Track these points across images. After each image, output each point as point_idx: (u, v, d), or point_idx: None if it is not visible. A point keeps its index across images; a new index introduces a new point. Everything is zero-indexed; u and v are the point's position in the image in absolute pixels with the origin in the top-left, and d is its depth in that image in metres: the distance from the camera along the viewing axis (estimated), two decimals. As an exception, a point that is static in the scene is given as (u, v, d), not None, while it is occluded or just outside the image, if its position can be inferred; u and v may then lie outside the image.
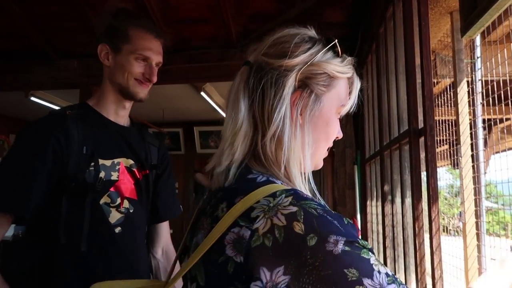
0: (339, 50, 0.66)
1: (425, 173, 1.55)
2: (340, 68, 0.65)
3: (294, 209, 0.51)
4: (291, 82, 0.61)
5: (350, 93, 0.68)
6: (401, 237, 1.80)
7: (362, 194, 2.81)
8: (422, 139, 1.53)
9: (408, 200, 1.75)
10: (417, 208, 1.53)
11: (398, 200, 1.91)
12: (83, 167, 1.07)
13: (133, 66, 1.14)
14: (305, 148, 0.62)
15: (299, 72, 0.62)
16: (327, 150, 0.69)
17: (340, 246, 0.47)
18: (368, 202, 2.71)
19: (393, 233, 1.95)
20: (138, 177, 1.21)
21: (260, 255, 0.50)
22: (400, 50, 1.78)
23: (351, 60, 0.68)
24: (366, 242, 0.50)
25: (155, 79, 1.18)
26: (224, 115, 0.68)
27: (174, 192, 1.41)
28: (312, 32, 0.67)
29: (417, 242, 1.52)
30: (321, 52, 0.63)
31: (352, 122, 2.89)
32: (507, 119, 1.95)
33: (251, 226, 0.51)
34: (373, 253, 0.50)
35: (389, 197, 2.05)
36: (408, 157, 1.74)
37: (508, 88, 1.66)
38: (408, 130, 1.61)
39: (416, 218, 1.52)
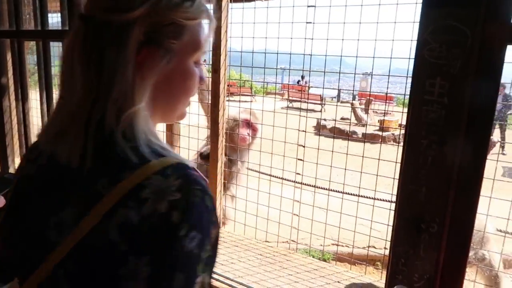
0: None
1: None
2: (190, 14, 0.54)
3: (178, 196, 0.47)
4: (134, 39, 0.51)
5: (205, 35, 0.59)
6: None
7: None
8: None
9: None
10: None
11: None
12: None
13: None
14: (159, 112, 0.57)
15: (142, 26, 0.51)
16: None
17: (199, 249, 0.47)
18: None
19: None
20: None
21: (138, 240, 0.46)
22: None
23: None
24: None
25: None
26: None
27: None
28: None
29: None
30: None
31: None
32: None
33: (140, 208, 0.46)
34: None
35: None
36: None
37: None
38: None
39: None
